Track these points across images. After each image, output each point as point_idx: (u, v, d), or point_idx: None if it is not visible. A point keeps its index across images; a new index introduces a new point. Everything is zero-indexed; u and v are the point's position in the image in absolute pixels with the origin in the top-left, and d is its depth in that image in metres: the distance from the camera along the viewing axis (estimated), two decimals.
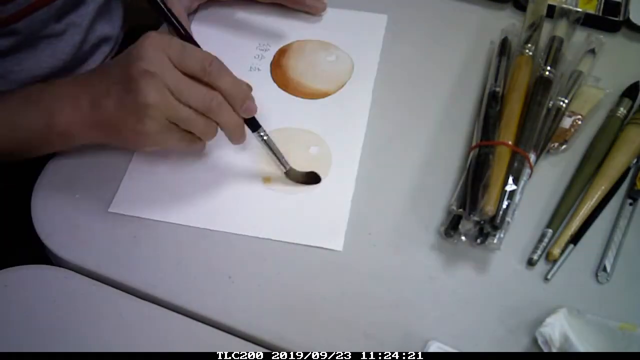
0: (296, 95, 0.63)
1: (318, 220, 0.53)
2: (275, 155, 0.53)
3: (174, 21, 0.51)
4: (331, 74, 0.64)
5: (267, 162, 0.55)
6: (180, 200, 0.55)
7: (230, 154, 0.57)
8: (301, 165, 0.56)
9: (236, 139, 0.52)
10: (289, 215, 0.54)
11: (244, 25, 0.69)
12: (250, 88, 0.53)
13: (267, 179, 0.56)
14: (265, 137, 0.52)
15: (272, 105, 0.60)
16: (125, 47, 0.50)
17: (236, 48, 0.67)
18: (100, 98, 0.49)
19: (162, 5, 0.51)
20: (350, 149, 0.58)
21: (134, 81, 0.46)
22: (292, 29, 0.68)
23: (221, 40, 0.66)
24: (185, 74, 0.48)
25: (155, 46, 0.47)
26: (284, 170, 0.54)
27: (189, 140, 0.51)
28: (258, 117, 0.52)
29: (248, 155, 0.57)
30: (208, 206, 0.54)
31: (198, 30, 0.68)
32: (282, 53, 0.66)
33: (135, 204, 0.54)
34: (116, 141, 0.53)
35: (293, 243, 0.52)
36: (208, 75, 0.48)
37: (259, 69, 0.65)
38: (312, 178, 0.55)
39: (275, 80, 0.64)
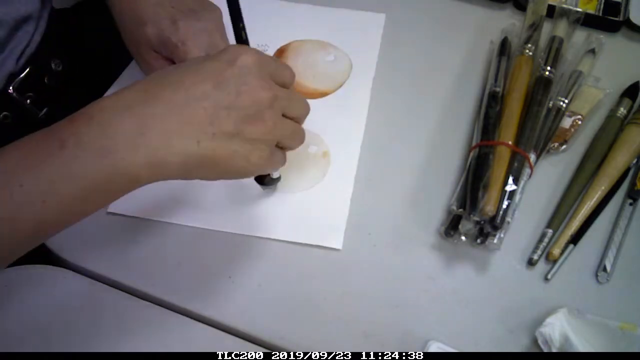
0: None
1: (318, 219, 0.53)
2: None
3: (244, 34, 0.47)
4: (329, 74, 0.64)
5: None
6: (179, 201, 0.55)
7: None
8: (300, 164, 0.56)
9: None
10: (288, 215, 0.54)
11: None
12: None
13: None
14: None
15: None
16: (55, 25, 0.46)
17: None
18: (211, 132, 0.40)
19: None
20: (349, 148, 0.58)
21: (259, 111, 0.41)
22: (291, 28, 0.68)
23: None
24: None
25: (259, 66, 0.42)
26: None
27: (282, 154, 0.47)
28: None
29: None
30: (207, 206, 0.54)
31: None
32: (280, 53, 0.66)
33: (134, 204, 0.54)
34: (217, 176, 0.44)
35: (293, 242, 0.52)
36: (288, 84, 0.45)
37: None
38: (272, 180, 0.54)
39: None
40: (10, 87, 0.61)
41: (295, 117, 0.46)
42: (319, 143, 0.58)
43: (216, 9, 0.59)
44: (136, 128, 0.38)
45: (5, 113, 0.60)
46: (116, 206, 0.54)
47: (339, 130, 0.59)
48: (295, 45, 0.67)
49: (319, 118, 0.60)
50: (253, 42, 0.64)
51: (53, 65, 0.66)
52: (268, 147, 0.43)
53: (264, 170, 0.48)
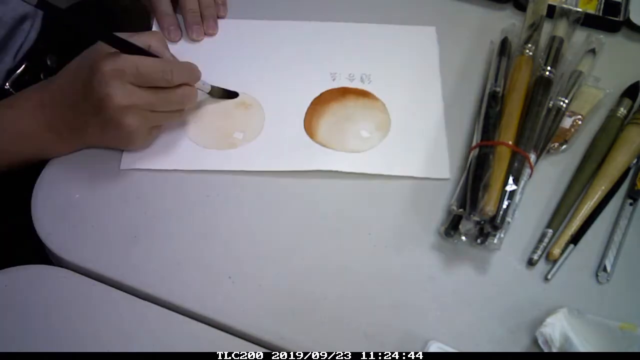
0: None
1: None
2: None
3: (113, 41, 0.51)
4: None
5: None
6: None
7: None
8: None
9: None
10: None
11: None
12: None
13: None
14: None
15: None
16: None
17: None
18: (80, 129, 0.53)
19: (99, 32, 0.51)
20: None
21: (115, 119, 0.50)
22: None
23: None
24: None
25: (115, 77, 0.49)
26: (208, 91, 0.58)
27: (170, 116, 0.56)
28: None
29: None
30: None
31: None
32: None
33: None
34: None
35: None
36: (170, 83, 0.52)
37: None
38: (231, 93, 0.60)
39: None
40: (7, 83, 0.61)
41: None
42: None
43: None
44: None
45: None
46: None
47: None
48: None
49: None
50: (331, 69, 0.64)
51: (49, 62, 0.66)
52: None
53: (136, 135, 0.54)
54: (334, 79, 0.63)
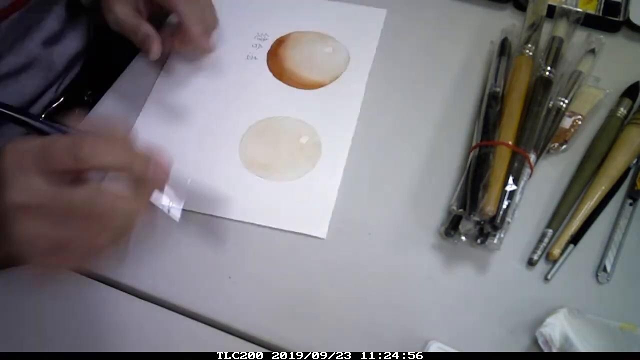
0: (291, 85, 0.63)
1: (304, 208, 0.54)
2: None
3: (19, 117, 0.44)
4: (326, 66, 0.65)
5: (257, 149, 0.58)
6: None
7: (217, 138, 0.59)
8: (291, 154, 0.57)
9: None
10: (276, 203, 0.55)
11: (243, 14, 0.70)
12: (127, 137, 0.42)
13: (252, 165, 0.57)
14: None
15: (266, 94, 0.62)
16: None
17: (234, 36, 0.67)
18: None
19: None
20: (341, 139, 0.59)
21: (9, 221, 0.38)
22: (291, 19, 0.69)
23: (219, 29, 0.66)
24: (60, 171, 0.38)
25: (17, 165, 0.38)
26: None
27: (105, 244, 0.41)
28: (253, 104, 0.56)
29: (237, 142, 0.59)
30: (193, 189, 0.55)
31: None
32: (279, 43, 0.67)
33: None
34: None
35: (278, 229, 0.53)
36: (82, 162, 0.38)
37: (255, 58, 0.66)
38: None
39: (271, 70, 0.65)
40: (43, 114, 0.62)
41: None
42: (311, 134, 0.59)
43: None
44: None
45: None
46: None
47: (331, 121, 0.60)
48: (295, 37, 0.68)
49: (313, 109, 0.61)
50: (253, 31, 0.67)
51: (85, 97, 0.67)
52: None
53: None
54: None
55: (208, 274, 0.51)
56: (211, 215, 0.54)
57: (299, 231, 0.53)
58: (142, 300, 0.49)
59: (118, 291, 0.50)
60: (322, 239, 0.52)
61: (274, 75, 0.64)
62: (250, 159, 0.57)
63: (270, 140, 0.59)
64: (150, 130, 0.60)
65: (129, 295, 0.50)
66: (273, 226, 0.53)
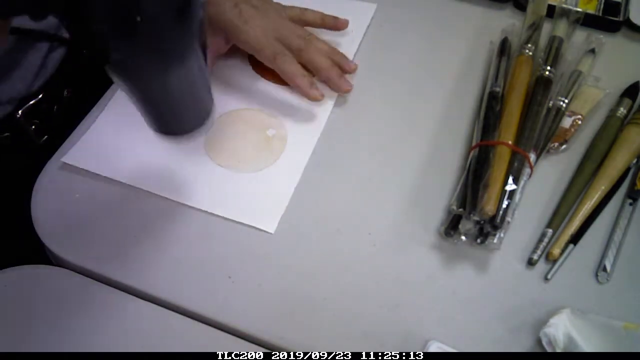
0: (267, 79, 0.64)
1: (259, 201, 0.55)
2: None
3: None
4: None
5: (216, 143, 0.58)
6: (135, 162, 0.56)
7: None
8: (256, 146, 0.58)
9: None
10: (232, 193, 0.55)
11: None
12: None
13: (214, 153, 0.58)
14: None
15: (242, 86, 0.63)
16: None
17: None
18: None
19: None
20: (307, 136, 0.59)
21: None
22: None
23: None
24: None
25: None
26: None
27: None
28: (227, 95, 0.59)
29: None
30: (161, 173, 0.56)
31: None
32: None
33: (90, 159, 0.56)
34: None
35: (229, 220, 0.53)
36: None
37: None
38: None
39: (250, 63, 0.65)
40: (20, 112, 0.61)
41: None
42: (278, 127, 0.59)
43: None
44: None
45: (6, 134, 0.60)
46: (71, 157, 0.57)
47: (301, 117, 0.60)
48: None
49: (284, 103, 0.61)
50: None
51: (65, 93, 0.67)
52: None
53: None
54: None
55: (208, 274, 0.51)
56: (167, 199, 0.54)
57: (248, 223, 0.53)
58: (142, 300, 0.50)
59: (118, 291, 0.50)
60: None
61: (253, 68, 0.64)
62: (213, 147, 0.58)
63: (239, 131, 0.59)
64: (118, 114, 0.60)
65: (129, 295, 0.50)
66: (224, 216, 0.53)
